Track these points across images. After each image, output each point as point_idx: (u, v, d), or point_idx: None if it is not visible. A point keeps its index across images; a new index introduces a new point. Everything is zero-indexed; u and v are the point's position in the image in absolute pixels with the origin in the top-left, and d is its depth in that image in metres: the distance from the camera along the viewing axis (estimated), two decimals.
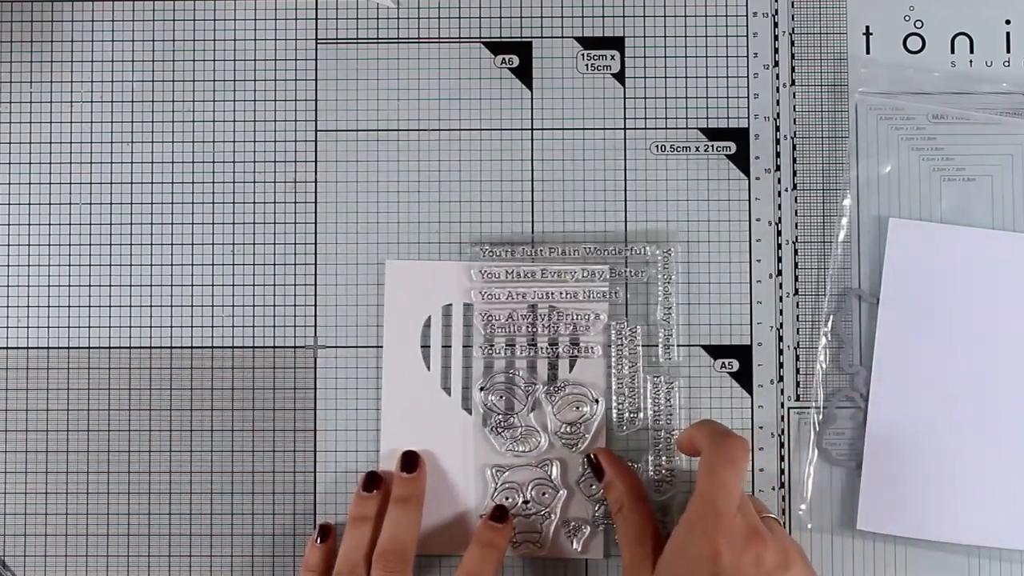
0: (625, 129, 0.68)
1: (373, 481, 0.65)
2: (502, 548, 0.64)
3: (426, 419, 0.67)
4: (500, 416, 0.66)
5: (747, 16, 0.69)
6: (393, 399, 0.67)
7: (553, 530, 0.66)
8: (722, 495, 0.56)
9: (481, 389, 0.66)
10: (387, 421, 0.67)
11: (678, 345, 0.67)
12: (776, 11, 0.69)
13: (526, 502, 0.66)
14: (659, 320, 0.67)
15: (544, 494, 0.66)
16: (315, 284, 0.68)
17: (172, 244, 0.68)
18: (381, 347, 0.67)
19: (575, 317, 0.67)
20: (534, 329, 0.67)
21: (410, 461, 0.65)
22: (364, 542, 0.63)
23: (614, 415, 0.66)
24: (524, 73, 0.69)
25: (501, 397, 0.67)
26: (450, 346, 0.67)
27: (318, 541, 0.65)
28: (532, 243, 0.67)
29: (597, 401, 0.66)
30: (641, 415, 0.66)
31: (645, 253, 0.67)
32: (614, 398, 0.66)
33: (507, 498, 0.66)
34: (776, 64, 0.68)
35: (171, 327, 0.68)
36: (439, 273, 0.67)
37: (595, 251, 0.67)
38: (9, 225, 0.68)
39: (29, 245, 0.68)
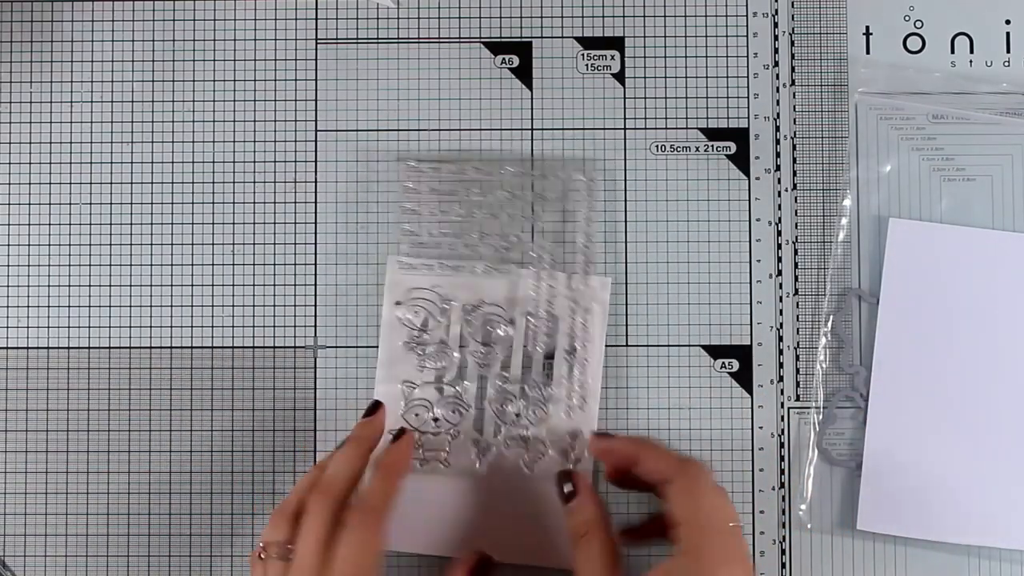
0: (625, 129, 0.68)
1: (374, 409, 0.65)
2: (403, 468, 0.62)
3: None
4: (415, 332, 0.66)
5: (747, 16, 0.69)
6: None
7: (460, 448, 0.66)
8: (718, 516, 0.56)
9: (397, 303, 0.66)
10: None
11: (594, 273, 0.67)
12: (776, 11, 0.69)
13: (435, 420, 0.66)
14: (580, 247, 0.66)
15: (454, 411, 0.66)
16: (315, 284, 0.68)
17: (172, 244, 0.68)
18: None
19: (500, 237, 0.67)
20: (455, 249, 0.67)
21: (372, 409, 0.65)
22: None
23: (528, 337, 0.66)
24: (524, 73, 0.69)
25: (417, 313, 0.66)
26: (447, 344, 0.67)
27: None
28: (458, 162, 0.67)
29: (512, 322, 0.66)
30: (556, 338, 0.66)
31: (571, 180, 0.67)
32: (528, 319, 0.66)
33: (416, 414, 0.66)
34: (776, 64, 0.68)
35: (171, 327, 0.68)
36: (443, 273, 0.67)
37: (519, 176, 0.67)
38: (9, 225, 0.68)
39: (29, 245, 0.68)
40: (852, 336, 0.67)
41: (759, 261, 0.68)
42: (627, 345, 0.67)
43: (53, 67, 0.69)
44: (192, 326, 0.68)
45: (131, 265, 0.68)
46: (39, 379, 0.68)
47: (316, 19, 0.69)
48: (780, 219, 0.68)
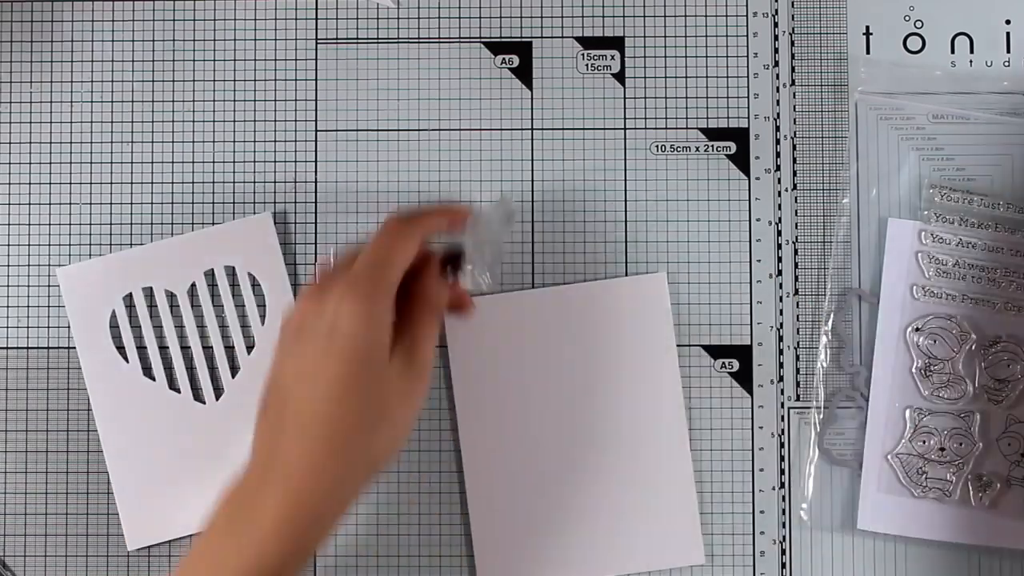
0: (625, 129, 0.68)
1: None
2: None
3: (140, 412, 0.66)
4: (928, 360, 0.65)
5: (747, 16, 0.69)
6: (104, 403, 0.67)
7: (962, 481, 0.64)
8: None
9: (916, 330, 0.65)
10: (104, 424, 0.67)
11: None
12: (776, 11, 0.69)
13: (941, 449, 0.65)
14: None
15: (961, 444, 0.65)
16: None
17: None
18: None
19: None
20: (980, 284, 0.65)
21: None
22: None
23: None
24: (524, 73, 0.69)
25: (934, 341, 0.65)
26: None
27: None
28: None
29: None
30: None
31: None
32: None
33: (923, 442, 0.64)
34: (776, 64, 0.68)
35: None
36: (113, 267, 0.67)
37: None
38: (9, 225, 0.68)
39: (29, 245, 0.68)
40: (852, 336, 0.67)
41: (759, 261, 0.68)
42: None
43: (53, 67, 0.69)
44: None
45: None
46: (39, 379, 0.68)
47: (316, 19, 0.69)
48: (780, 219, 0.68)
